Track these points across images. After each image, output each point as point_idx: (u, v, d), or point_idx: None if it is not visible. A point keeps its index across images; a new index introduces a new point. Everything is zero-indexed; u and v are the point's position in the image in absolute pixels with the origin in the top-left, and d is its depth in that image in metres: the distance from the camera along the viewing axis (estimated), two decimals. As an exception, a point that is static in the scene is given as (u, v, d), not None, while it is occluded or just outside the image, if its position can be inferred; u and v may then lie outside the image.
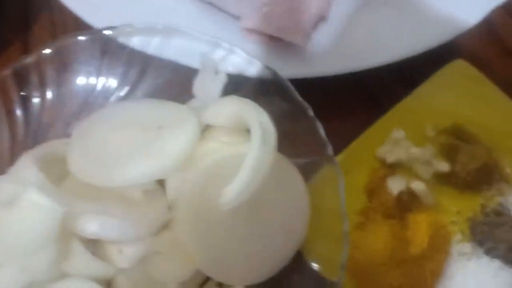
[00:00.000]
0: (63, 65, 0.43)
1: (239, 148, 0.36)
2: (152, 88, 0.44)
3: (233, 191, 0.33)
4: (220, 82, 0.41)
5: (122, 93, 0.44)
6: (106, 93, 0.44)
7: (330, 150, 0.38)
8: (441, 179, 0.43)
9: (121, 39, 0.43)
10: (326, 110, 0.48)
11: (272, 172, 0.36)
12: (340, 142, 0.45)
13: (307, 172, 0.38)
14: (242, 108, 0.36)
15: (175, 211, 0.35)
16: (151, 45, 0.44)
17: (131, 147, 0.35)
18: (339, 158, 0.44)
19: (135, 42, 0.43)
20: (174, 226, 0.35)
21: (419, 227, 0.40)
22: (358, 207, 0.42)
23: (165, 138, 0.35)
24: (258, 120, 0.35)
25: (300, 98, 0.40)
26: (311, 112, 0.39)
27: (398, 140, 0.43)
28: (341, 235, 0.35)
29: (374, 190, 0.42)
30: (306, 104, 0.40)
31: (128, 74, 0.44)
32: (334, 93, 0.48)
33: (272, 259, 0.35)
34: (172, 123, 0.36)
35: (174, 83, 0.43)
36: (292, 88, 0.40)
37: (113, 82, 0.44)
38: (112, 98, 0.44)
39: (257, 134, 0.34)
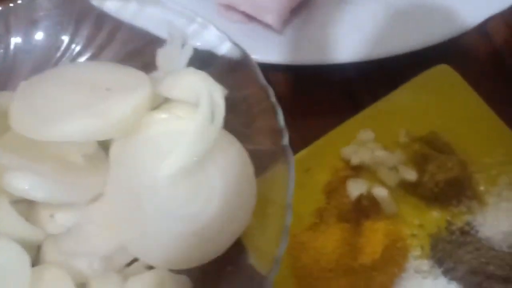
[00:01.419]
0: (30, 19, 0.42)
1: (189, 124, 0.33)
2: (119, 55, 0.42)
3: (170, 165, 0.31)
4: (185, 55, 0.39)
5: (87, 55, 0.42)
6: (72, 53, 0.42)
7: (286, 140, 0.35)
8: (407, 188, 0.40)
9: (94, 1, 0.42)
10: (299, 103, 0.46)
11: (218, 152, 0.33)
12: (308, 137, 0.43)
13: (261, 160, 0.36)
14: (195, 81, 0.34)
15: (107, 179, 0.32)
16: (124, 10, 0.42)
17: (75, 105, 0.34)
18: (302, 153, 0.41)
19: (108, 5, 0.42)
20: (105, 195, 0.33)
21: (374, 236, 0.37)
22: (314, 207, 0.39)
23: (111, 100, 0.33)
24: (209, 95, 0.33)
25: (265, 83, 0.38)
26: (273, 98, 0.37)
27: (366, 141, 0.40)
28: (282, 229, 0.33)
29: (333, 191, 0.39)
30: (271, 90, 0.37)
31: (95, 37, 0.42)
32: (310, 86, 0.46)
33: (206, 244, 0.32)
34: (123, 87, 0.35)
35: (143, 52, 0.41)
36: (259, 71, 0.38)
37: (79, 43, 0.42)
38: (77, 60, 0.42)
39: (204, 109, 0.32)
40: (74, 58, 0.42)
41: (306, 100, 0.45)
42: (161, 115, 0.34)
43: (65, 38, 0.42)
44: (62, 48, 0.42)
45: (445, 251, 0.38)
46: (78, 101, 0.34)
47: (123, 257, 0.33)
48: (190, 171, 0.32)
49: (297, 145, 0.43)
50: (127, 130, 0.33)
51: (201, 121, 0.32)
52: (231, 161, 0.34)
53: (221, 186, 0.33)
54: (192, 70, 0.35)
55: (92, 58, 0.42)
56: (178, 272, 0.33)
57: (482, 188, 0.40)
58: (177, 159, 0.31)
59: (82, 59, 0.42)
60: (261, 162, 0.36)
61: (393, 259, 0.37)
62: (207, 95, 0.33)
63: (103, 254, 0.32)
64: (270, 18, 0.39)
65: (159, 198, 0.31)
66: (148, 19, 0.41)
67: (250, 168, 0.34)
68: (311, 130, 0.44)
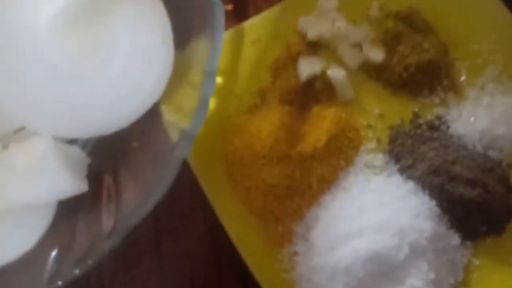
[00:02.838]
0: None
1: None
2: None
3: (55, 4, 0.25)
4: None
5: None
6: None
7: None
8: (371, 72, 0.33)
9: None
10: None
11: (122, 1, 0.27)
12: (262, 5, 0.36)
13: (185, 19, 0.29)
14: None
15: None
16: None
17: None
18: (250, 22, 0.34)
19: None
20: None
21: (321, 123, 0.31)
22: (256, 86, 0.33)
23: None
24: None
25: None
26: None
27: (327, 10, 0.33)
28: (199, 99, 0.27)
29: (281, 68, 0.33)
30: None
31: None
32: None
33: (105, 112, 0.27)
34: None
35: None
36: None
37: None
38: None
39: None
40: None
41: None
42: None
43: None
44: None
45: (405, 146, 0.32)
46: None
47: (7, 122, 0.28)
48: (83, 19, 0.26)
49: (248, 13, 0.36)
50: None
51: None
52: (142, 13, 0.27)
53: (127, 42, 0.27)
54: None
55: None
56: (70, 142, 0.28)
57: (463, 78, 0.34)
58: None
59: None
60: (185, 21, 0.29)
61: (340, 150, 0.31)
62: None
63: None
64: None
65: (41, 48, 0.25)
66: None
67: (165, 25, 0.28)
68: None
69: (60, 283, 0.23)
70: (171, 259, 0.31)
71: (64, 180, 0.25)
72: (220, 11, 0.28)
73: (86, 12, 0.25)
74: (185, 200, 0.32)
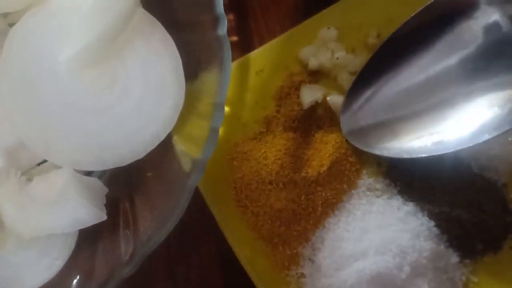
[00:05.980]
0: None
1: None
2: None
3: (71, 45, 0.27)
4: None
5: None
6: None
7: (223, 29, 0.30)
8: (370, 97, 0.35)
9: None
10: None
11: (138, 38, 0.29)
12: (266, 37, 0.38)
13: (194, 53, 0.31)
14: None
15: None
16: None
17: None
18: (255, 53, 0.36)
19: None
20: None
21: (324, 148, 0.33)
22: (261, 115, 0.35)
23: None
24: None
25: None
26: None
27: (327, 40, 0.35)
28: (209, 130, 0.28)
29: (285, 97, 0.35)
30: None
31: None
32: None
33: (122, 145, 0.28)
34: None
35: None
36: None
37: None
38: None
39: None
40: None
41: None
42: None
43: None
44: None
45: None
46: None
47: (30, 156, 0.29)
48: (100, 57, 0.27)
49: (252, 45, 0.38)
50: (27, 4, 0.28)
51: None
52: (154, 49, 0.29)
53: (141, 77, 0.28)
54: None
55: None
56: (89, 174, 0.29)
57: (458, 102, 0.35)
58: (77, 38, 0.26)
59: None
60: (194, 55, 0.31)
61: (343, 174, 0.33)
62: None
63: (2, 147, 0.29)
64: None
65: (61, 86, 0.27)
66: None
67: (176, 59, 0.29)
68: (270, 29, 0.38)
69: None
70: (183, 284, 0.33)
71: (84, 210, 0.27)
72: (227, 45, 0.30)
73: (103, 50, 0.27)
74: (196, 226, 0.34)
